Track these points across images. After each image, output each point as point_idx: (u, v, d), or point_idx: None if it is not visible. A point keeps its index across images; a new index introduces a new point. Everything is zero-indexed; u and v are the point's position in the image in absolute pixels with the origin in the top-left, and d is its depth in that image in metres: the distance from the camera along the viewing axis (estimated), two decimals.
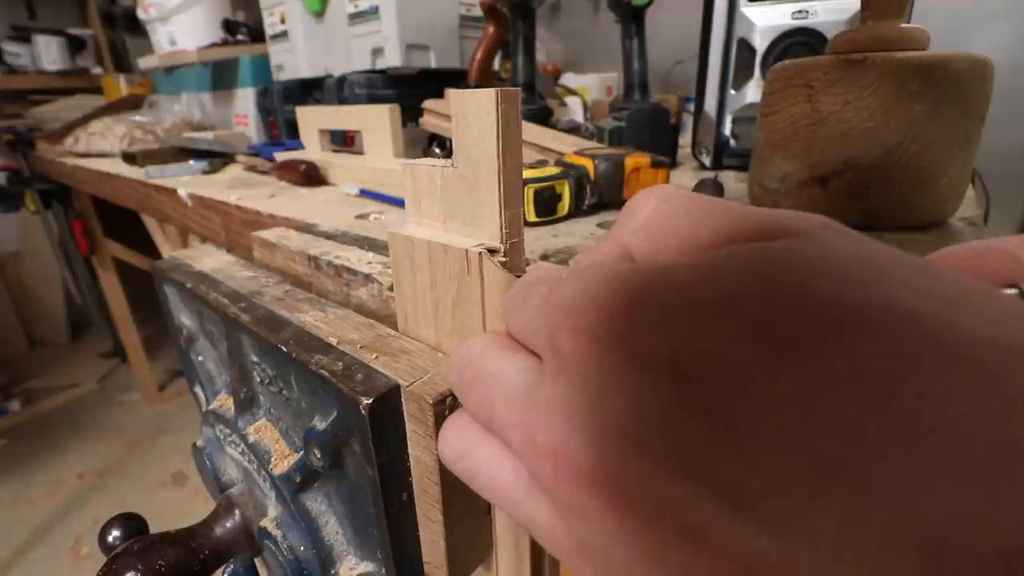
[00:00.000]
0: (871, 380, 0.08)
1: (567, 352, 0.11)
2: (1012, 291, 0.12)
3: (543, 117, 0.66)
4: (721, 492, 0.08)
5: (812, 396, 0.08)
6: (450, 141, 0.19)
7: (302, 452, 0.25)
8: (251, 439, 0.28)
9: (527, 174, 0.39)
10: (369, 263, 0.30)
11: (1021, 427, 0.07)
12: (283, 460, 0.27)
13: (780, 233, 0.11)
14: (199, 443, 0.35)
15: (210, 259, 0.36)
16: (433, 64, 0.82)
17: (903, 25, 0.32)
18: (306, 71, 0.95)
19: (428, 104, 0.68)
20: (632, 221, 0.14)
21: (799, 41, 0.54)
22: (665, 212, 0.13)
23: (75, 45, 2.18)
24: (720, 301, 0.09)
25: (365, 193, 0.55)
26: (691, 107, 0.64)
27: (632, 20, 0.65)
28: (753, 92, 0.57)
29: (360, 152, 0.71)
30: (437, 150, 0.69)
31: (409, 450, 0.21)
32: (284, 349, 0.23)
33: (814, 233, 0.11)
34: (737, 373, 0.09)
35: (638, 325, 0.10)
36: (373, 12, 0.77)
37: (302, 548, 0.26)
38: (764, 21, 0.55)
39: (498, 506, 0.14)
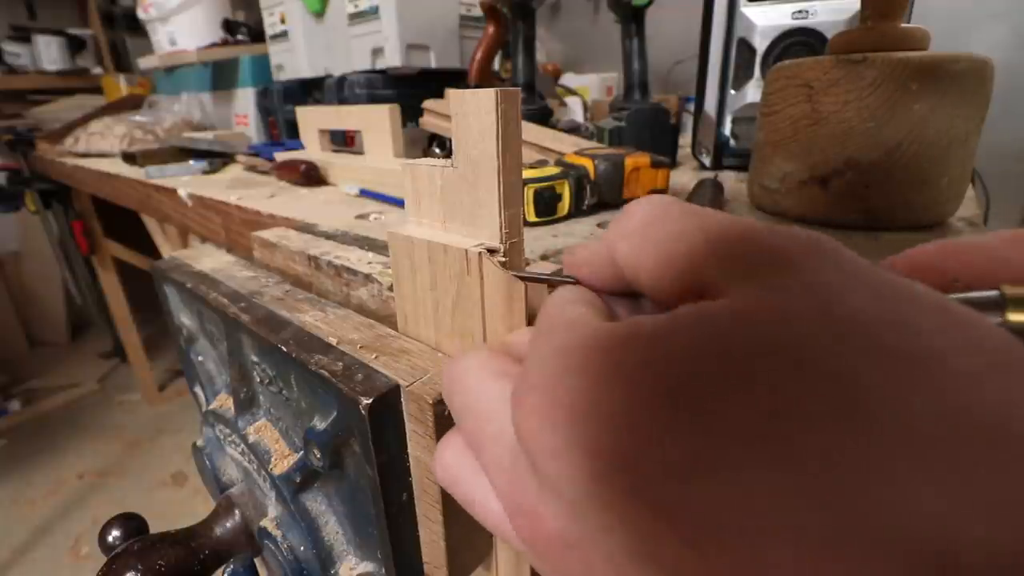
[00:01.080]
0: (812, 483, 0.08)
1: (520, 429, 0.11)
2: (992, 293, 0.12)
3: (543, 117, 0.66)
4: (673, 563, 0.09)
5: (755, 495, 0.08)
6: (450, 141, 0.19)
7: (302, 452, 0.25)
8: (251, 439, 0.28)
9: (527, 174, 0.39)
10: (369, 263, 0.30)
11: (962, 531, 0.07)
12: (283, 460, 0.27)
13: (754, 268, 0.11)
14: (199, 443, 0.35)
15: (210, 259, 0.36)
16: (433, 64, 0.82)
17: (903, 25, 0.32)
18: (306, 71, 0.95)
19: (428, 104, 0.68)
20: (621, 226, 0.14)
21: (799, 41, 0.54)
22: (652, 218, 0.13)
23: (75, 45, 2.18)
24: (663, 390, 0.09)
25: (365, 193, 0.55)
26: (691, 107, 0.64)
27: (632, 20, 0.65)
28: (753, 92, 0.57)
29: (360, 152, 0.71)
30: (437, 150, 0.69)
31: (409, 450, 0.21)
32: (284, 349, 0.23)
33: (780, 271, 0.10)
34: (680, 467, 0.09)
35: (583, 414, 0.10)
36: (373, 12, 0.77)
37: (302, 548, 0.26)
38: (764, 21, 0.55)
39: (494, 533, 0.14)
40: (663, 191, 0.44)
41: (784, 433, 0.08)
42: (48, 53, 2.10)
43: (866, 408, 0.08)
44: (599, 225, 0.40)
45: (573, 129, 0.69)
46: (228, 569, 0.27)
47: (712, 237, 0.12)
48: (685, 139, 0.72)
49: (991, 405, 0.08)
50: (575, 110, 0.98)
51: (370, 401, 0.19)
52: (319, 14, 0.87)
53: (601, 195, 0.42)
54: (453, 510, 0.21)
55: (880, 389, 0.08)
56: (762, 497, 0.08)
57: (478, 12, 0.83)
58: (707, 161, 0.62)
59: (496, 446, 0.13)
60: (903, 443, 0.08)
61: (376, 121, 0.63)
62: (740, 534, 0.08)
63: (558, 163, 0.45)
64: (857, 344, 0.09)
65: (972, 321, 0.09)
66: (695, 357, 0.09)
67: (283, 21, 0.95)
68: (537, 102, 0.67)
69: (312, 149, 0.77)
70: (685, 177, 0.58)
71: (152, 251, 1.10)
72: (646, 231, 0.13)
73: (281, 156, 0.70)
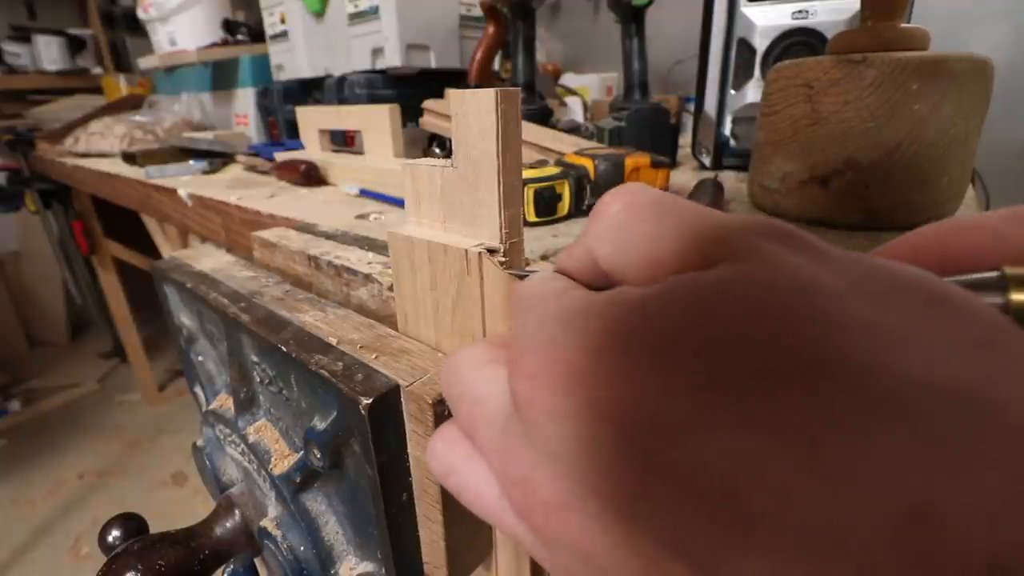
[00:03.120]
0: (794, 440, 0.08)
1: (518, 395, 0.12)
2: (993, 274, 0.12)
3: (543, 117, 0.66)
4: (660, 538, 0.09)
5: (741, 452, 0.08)
6: (450, 141, 0.19)
7: (302, 452, 0.25)
8: (251, 439, 0.28)
9: (527, 174, 0.39)
10: (369, 263, 0.30)
11: (938, 489, 0.07)
12: (283, 460, 0.27)
13: (731, 251, 0.11)
14: (199, 443, 0.35)
15: (210, 259, 0.36)
16: (433, 64, 0.82)
17: (903, 25, 0.32)
18: (306, 71, 0.95)
19: (428, 104, 0.68)
20: (597, 225, 0.14)
21: (799, 41, 0.54)
22: (630, 217, 0.13)
23: (75, 45, 2.18)
24: (656, 350, 0.10)
25: (365, 193, 0.55)
26: (691, 107, 0.64)
27: (632, 20, 0.65)
28: (753, 92, 0.57)
29: (360, 152, 0.71)
30: (437, 150, 0.69)
31: (409, 450, 0.21)
32: (284, 349, 0.23)
33: (761, 253, 0.11)
34: (671, 425, 0.09)
35: (580, 373, 0.10)
36: (373, 12, 0.77)
37: (302, 548, 0.26)
38: (764, 21, 0.55)
39: (487, 521, 0.14)
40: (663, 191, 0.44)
41: (767, 393, 0.08)
42: (48, 53, 2.10)
43: (846, 372, 0.08)
44: None
45: (573, 129, 0.69)
46: (228, 569, 0.27)
47: (690, 234, 0.12)
48: (685, 139, 0.72)
49: (970, 378, 0.08)
50: (575, 110, 0.98)
51: (370, 401, 0.19)
52: (319, 14, 0.87)
53: (601, 195, 0.42)
54: (453, 510, 0.21)
55: (860, 355, 0.08)
56: (748, 455, 0.08)
57: (478, 12, 0.83)
58: (707, 161, 0.62)
59: (488, 427, 0.13)
60: (884, 406, 0.08)
61: (376, 121, 0.63)
62: (725, 491, 0.08)
63: (558, 163, 0.45)
64: (836, 314, 0.09)
65: (953, 297, 0.09)
66: (683, 319, 0.10)
67: (283, 21, 0.95)
68: (537, 102, 0.67)
69: (312, 149, 0.77)
70: (685, 177, 0.58)
71: (152, 251, 1.10)
72: (621, 235, 0.13)
73: (281, 156, 0.70)
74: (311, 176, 0.62)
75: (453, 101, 0.18)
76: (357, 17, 0.80)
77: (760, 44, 0.55)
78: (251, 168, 0.77)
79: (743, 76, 0.58)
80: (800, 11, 0.53)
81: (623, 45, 0.66)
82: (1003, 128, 0.89)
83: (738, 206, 0.44)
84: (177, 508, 1.43)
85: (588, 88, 1.12)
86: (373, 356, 0.22)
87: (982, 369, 0.08)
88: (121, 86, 1.67)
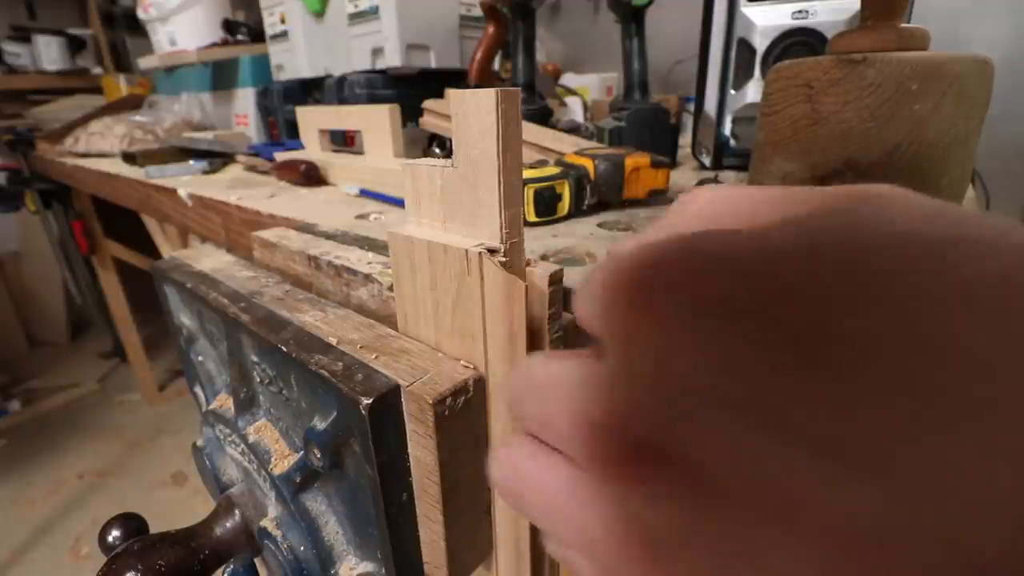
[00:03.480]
0: (943, 329, 0.07)
1: (618, 316, 0.10)
2: None
3: (543, 117, 0.66)
4: (812, 441, 0.08)
5: (909, 333, 0.07)
6: (450, 141, 0.19)
7: (302, 452, 0.25)
8: (251, 439, 0.28)
9: (527, 174, 0.39)
10: (369, 263, 0.30)
11: None
12: (283, 460, 0.27)
13: (849, 202, 0.10)
14: (199, 443, 0.35)
15: (210, 259, 0.36)
16: (433, 64, 0.82)
17: (903, 25, 0.32)
18: (306, 71, 0.95)
19: (428, 104, 0.68)
20: (685, 209, 0.14)
21: (799, 41, 0.54)
22: (718, 198, 0.13)
23: (75, 45, 2.18)
24: (797, 249, 0.09)
25: (365, 193, 0.55)
26: (691, 107, 0.64)
27: (632, 20, 0.65)
28: (753, 92, 0.57)
29: (360, 152, 0.71)
30: (437, 150, 0.69)
31: (409, 450, 0.21)
32: (284, 349, 0.23)
33: (887, 197, 0.10)
34: (822, 312, 0.08)
35: (698, 274, 0.09)
36: (373, 12, 0.77)
37: (302, 548, 0.26)
38: (764, 21, 0.55)
39: (549, 524, 0.13)
40: (663, 191, 0.44)
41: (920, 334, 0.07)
42: (48, 53, 2.10)
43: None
44: (599, 225, 0.40)
45: (573, 129, 0.69)
46: (228, 569, 0.27)
47: (798, 197, 0.12)
48: (685, 139, 0.72)
49: None
50: (575, 110, 0.98)
51: (370, 401, 0.19)
52: (319, 14, 0.87)
53: (601, 195, 0.42)
54: (453, 510, 0.21)
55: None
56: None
57: (478, 12, 0.82)
58: (707, 161, 0.62)
59: (564, 393, 0.12)
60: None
61: (376, 121, 0.63)
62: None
63: (558, 163, 0.45)
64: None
65: None
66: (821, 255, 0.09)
67: (283, 21, 0.95)
68: (537, 102, 0.67)
69: (312, 149, 0.77)
70: (685, 177, 0.58)
71: (152, 251, 1.10)
72: (720, 205, 0.13)
73: (281, 156, 0.70)
74: (311, 176, 0.62)
75: (453, 101, 0.18)
76: (357, 17, 0.80)
77: (760, 44, 0.55)
78: (251, 168, 0.77)
79: (743, 76, 0.58)
80: (800, 11, 0.53)
81: (623, 45, 0.66)
82: (1003, 128, 0.90)
83: None
84: (177, 508, 1.43)
85: (588, 88, 1.12)
86: (373, 356, 0.22)
87: None
88: (121, 86, 1.67)
